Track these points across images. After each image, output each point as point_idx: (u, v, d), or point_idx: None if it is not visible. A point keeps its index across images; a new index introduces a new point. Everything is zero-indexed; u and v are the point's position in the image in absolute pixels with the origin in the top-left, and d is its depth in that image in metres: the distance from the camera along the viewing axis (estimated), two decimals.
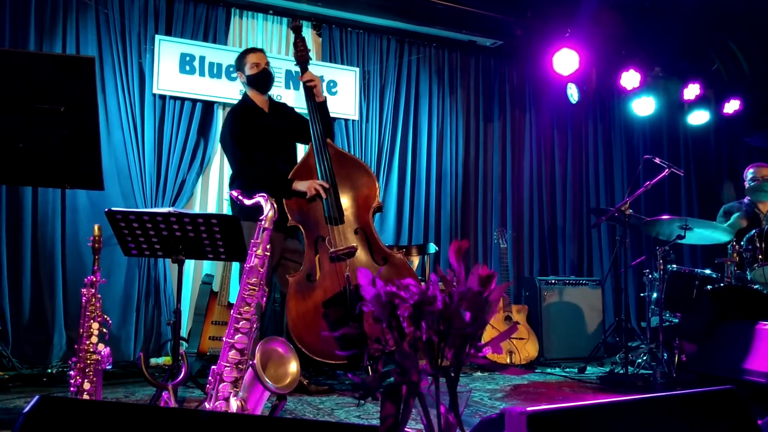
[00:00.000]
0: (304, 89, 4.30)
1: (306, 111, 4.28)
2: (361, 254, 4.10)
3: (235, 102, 5.49)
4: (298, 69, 5.62)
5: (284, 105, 4.54)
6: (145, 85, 5.20)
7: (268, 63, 4.28)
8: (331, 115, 4.50)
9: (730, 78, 6.98)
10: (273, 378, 2.29)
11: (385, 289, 1.17)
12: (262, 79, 4.25)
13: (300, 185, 4.08)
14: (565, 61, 6.09)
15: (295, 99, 5.50)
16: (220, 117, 5.49)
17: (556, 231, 6.87)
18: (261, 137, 4.18)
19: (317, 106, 4.24)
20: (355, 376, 1.33)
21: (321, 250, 4.09)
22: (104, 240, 2.80)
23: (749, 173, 5.49)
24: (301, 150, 4.95)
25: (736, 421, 1.42)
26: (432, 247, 5.23)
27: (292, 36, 5.79)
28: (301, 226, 4.12)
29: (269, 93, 4.41)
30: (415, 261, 5.21)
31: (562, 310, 5.87)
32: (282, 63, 5.56)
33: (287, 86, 5.67)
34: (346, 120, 5.85)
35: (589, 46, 6.17)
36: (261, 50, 4.33)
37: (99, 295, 2.69)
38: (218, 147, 5.47)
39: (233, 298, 4.60)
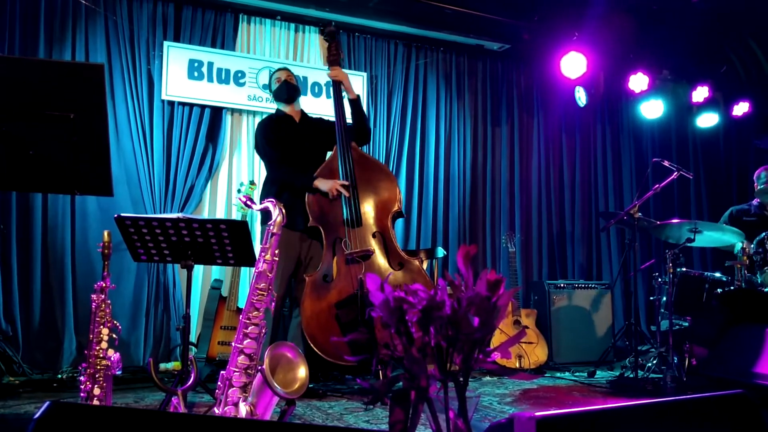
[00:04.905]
0: (332, 87, 4.42)
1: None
2: (377, 258, 4.11)
3: (245, 108, 5.56)
4: (305, 74, 5.68)
5: (319, 119, 4.59)
6: (153, 91, 5.23)
7: (290, 77, 4.47)
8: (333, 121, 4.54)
9: (740, 80, 6.96)
10: (282, 383, 2.29)
11: (393, 295, 1.18)
12: (283, 90, 4.41)
13: (322, 184, 4.14)
14: (573, 64, 6.07)
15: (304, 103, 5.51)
16: (228, 123, 5.51)
17: (564, 234, 6.85)
18: (290, 144, 4.30)
19: (351, 103, 4.36)
20: (365, 381, 1.33)
21: (338, 251, 4.12)
22: (114, 246, 2.81)
23: (762, 175, 5.42)
24: None
25: (747, 425, 1.42)
26: (440, 251, 5.22)
27: (300, 41, 5.87)
28: (321, 227, 4.15)
29: (300, 107, 4.53)
30: (424, 265, 5.21)
31: (572, 313, 5.85)
32: (289, 68, 5.56)
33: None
34: None
35: (596, 50, 6.16)
36: (285, 68, 4.59)
37: (109, 301, 2.70)
38: (227, 153, 5.50)
39: (242, 303, 4.61)
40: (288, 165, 4.26)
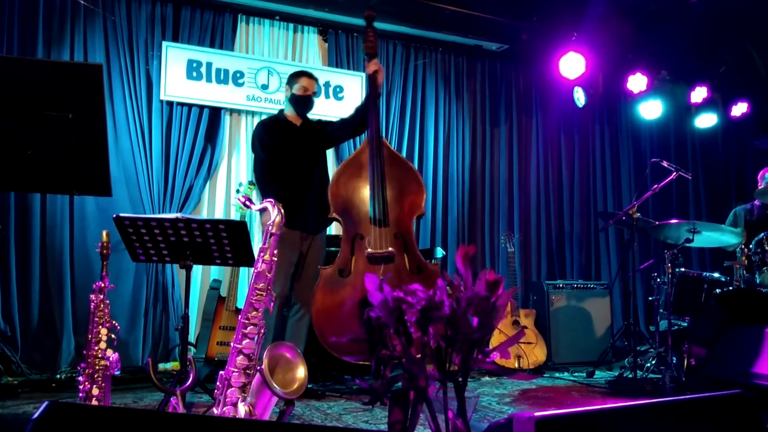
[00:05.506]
0: (367, 80, 4.30)
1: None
2: (397, 260, 4.04)
3: (244, 108, 5.56)
4: None
5: (318, 121, 4.51)
6: (152, 91, 5.23)
7: (315, 92, 4.37)
8: (338, 119, 4.52)
9: (738, 81, 6.96)
10: (281, 383, 2.29)
11: (392, 295, 1.18)
12: (303, 101, 4.32)
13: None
14: (572, 64, 6.08)
15: None
16: (227, 123, 5.52)
17: (563, 235, 6.85)
18: (289, 149, 4.24)
19: (371, 99, 4.23)
20: (364, 382, 1.33)
21: (358, 248, 4.06)
22: (112, 246, 2.81)
23: (767, 176, 5.41)
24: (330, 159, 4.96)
25: (745, 425, 1.42)
26: (439, 252, 5.22)
27: (298, 41, 5.87)
28: (341, 220, 4.12)
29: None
30: None
31: (570, 314, 5.86)
32: (288, 68, 5.56)
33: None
34: None
35: (595, 50, 6.16)
36: (315, 78, 4.41)
37: (107, 301, 2.70)
38: (225, 153, 5.50)
39: (241, 303, 4.61)
40: (283, 169, 4.20)
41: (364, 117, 4.26)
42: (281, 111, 4.45)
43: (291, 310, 4.24)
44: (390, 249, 4.02)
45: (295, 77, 4.36)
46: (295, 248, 4.17)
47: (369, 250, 4.00)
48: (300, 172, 4.23)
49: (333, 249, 4.44)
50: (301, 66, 5.70)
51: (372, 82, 4.24)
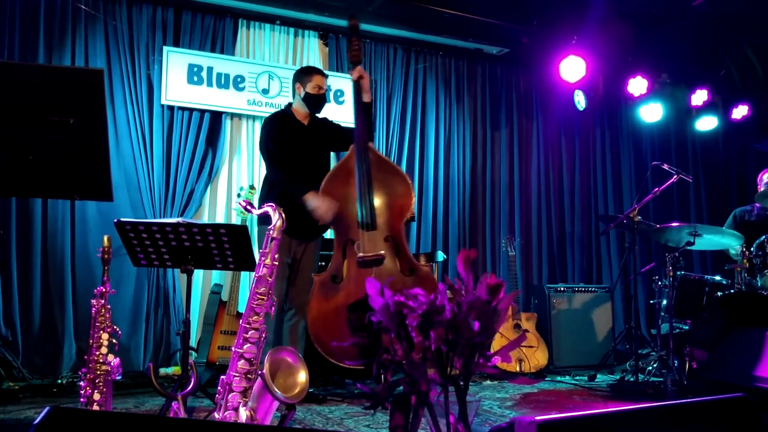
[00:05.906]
0: (353, 87, 4.27)
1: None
2: (388, 263, 4.03)
3: (245, 112, 5.56)
4: None
5: (324, 119, 4.48)
6: (153, 96, 5.23)
7: (327, 89, 4.35)
8: (338, 123, 4.52)
9: (739, 84, 6.96)
10: (282, 388, 2.29)
11: (393, 299, 1.18)
12: (318, 101, 4.30)
13: (312, 201, 4.03)
14: (572, 68, 6.08)
15: None
16: (228, 127, 5.52)
17: (564, 238, 6.85)
18: (296, 147, 4.22)
19: (364, 106, 4.20)
20: (365, 386, 1.33)
21: (349, 253, 4.05)
22: (114, 251, 2.81)
23: (765, 177, 5.42)
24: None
25: (747, 429, 1.42)
26: (440, 255, 5.22)
27: (299, 45, 5.88)
28: (332, 227, 4.12)
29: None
30: None
31: (572, 317, 5.85)
32: (289, 73, 5.57)
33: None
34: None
35: (595, 53, 6.16)
36: (326, 75, 4.37)
37: (108, 306, 2.70)
38: (226, 157, 5.50)
39: (242, 308, 4.61)
40: (291, 168, 4.20)
41: (371, 121, 4.27)
42: (288, 106, 4.38)
43: (286, 315, 4.23)
44: (380, 252, 4.02)
45: (306, 75, 4.29)
46: (289, 252, 4.15)
47: (360, 254, 4.00)
48: (303, 175, 4.21)
49: (332, 253, 4.43)
50: None
51: (357, 88, 4.24)
